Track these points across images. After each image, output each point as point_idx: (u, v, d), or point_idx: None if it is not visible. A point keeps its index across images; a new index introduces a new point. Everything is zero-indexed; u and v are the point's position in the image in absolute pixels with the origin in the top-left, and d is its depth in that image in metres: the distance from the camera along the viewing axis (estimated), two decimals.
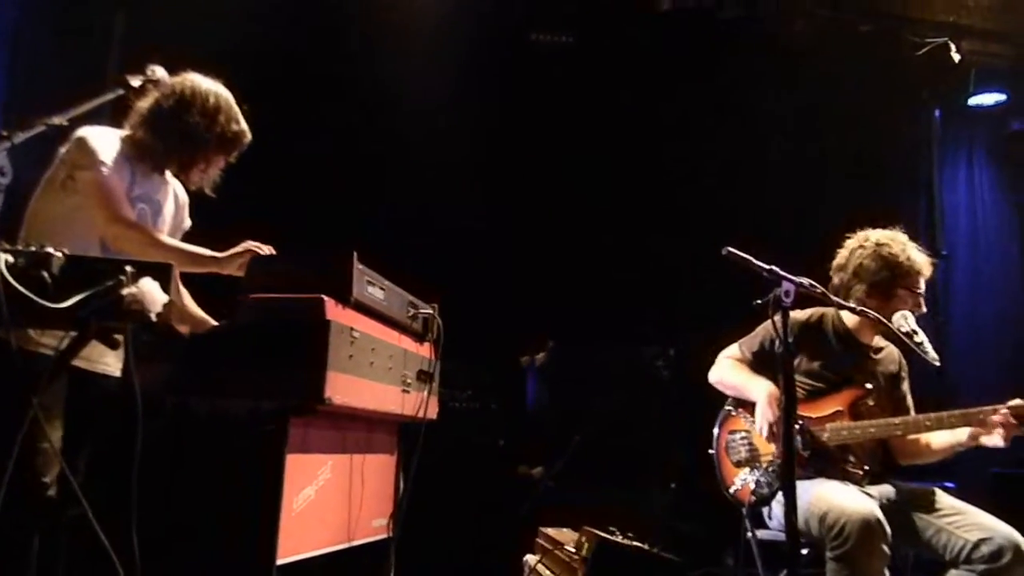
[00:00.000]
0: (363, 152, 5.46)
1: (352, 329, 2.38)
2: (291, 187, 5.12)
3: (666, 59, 6.00)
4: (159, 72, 2.62)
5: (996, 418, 2.88)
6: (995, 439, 2.91)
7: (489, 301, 5.32)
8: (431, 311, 2.97)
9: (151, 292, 1.72)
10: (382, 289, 2.63)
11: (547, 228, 5.80)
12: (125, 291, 1.70)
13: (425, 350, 3.01)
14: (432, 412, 3.03)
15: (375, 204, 5.29)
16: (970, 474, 5.00)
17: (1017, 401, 2.87)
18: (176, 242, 2.79)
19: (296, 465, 2.31)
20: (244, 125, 2.84)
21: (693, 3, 5.85)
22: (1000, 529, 2.83)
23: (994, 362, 6.49)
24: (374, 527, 2.91)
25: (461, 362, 4.33)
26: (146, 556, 1.90)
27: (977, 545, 2.82)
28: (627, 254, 5.77)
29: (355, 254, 2.43)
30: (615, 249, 5.79)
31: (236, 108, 2.83)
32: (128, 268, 1.72)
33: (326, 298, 2.27)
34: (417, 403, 2.90)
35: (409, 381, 2.85)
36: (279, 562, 2.21)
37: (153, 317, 1.73)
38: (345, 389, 2.32)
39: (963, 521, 2.91)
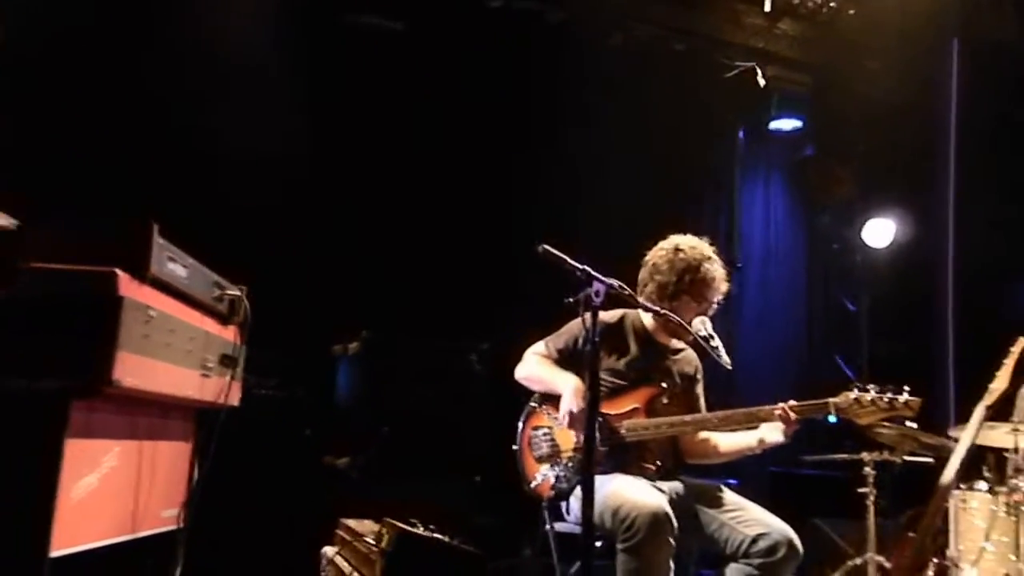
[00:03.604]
0: (171, 122, 5.13)
1: (148, 307, 2.24)
2: (86, 152, 4.71)
3: (494, 55, 6.05)
4: None
5: (777, 413, 3.06)
6: (775, 435, 3.10)
7: (302, 286, 5.18)
8: (239, 293, 2.84)
9: None
10: (185, 267, 2.49)
11: (366, 215, 5.71)
12: None
13: (230, 333, 2.88)
14: (234, 398, 2.91)
15: (182, 178, 4.98)
16: (751, 472, 5.38)
17: (793, 402, 3.07)
18: None
19: (77, 451, 2.15)
20: None
21: (521, 3, 5.95)
22: (776, 525, 3.01)
23: (779, 366, 7.05)
24: (163, 517, 2.76)
25: (269, 348, 4.18)
26: None
27: (755, 540, 2.98)
28: (446, 247, 5.78)
29: (155, 226, 2.28)
30: (434, 241, 5.78)
31: None
32: None
33: (120, 272, 2.12)
34: (218, 388, 2.78)
35: (210, 365, 2.72)
36: (53, 554, 2.06)
37: None
38: (137, 371, 2.18)
39: (743, 517, 3.07)
